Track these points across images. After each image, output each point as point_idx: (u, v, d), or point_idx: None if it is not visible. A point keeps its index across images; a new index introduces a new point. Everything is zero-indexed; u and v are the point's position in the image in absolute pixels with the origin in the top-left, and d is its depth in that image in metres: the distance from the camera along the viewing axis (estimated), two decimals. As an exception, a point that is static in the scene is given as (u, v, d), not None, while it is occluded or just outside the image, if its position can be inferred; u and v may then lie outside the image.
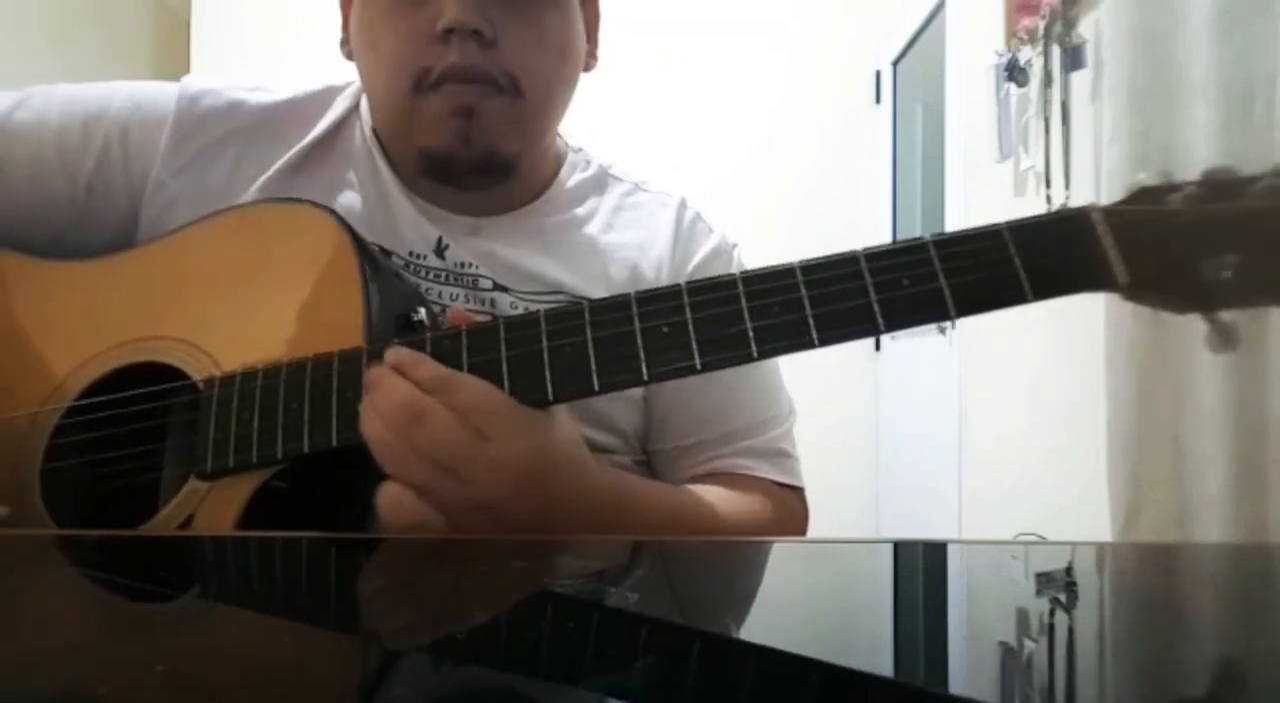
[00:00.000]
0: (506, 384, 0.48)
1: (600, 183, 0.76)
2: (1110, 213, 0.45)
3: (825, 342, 0.46)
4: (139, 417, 0.56)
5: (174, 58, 3.35)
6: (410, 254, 0.68)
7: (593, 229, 0.73)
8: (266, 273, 0.58)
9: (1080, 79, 1.75)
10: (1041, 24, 1.84)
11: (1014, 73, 1.96)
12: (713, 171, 2.98)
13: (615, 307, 0.48)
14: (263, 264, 0.58)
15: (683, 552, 0.49)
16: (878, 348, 3.19)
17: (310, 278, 0.56)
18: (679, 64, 3.21)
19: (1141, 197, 0.45)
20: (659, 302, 0.48)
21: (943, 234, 0.46)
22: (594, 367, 0.47)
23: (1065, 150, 1.79)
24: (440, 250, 0.68)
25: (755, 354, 0.46)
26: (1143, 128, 1.20)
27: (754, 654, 0.29)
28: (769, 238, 2.81)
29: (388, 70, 0.64)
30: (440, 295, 0.67)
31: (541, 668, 0.28)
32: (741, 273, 0.48)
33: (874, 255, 0.46)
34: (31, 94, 0.66)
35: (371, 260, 0.56)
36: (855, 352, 3.12)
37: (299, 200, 0.61)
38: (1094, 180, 1.62)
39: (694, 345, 0.46)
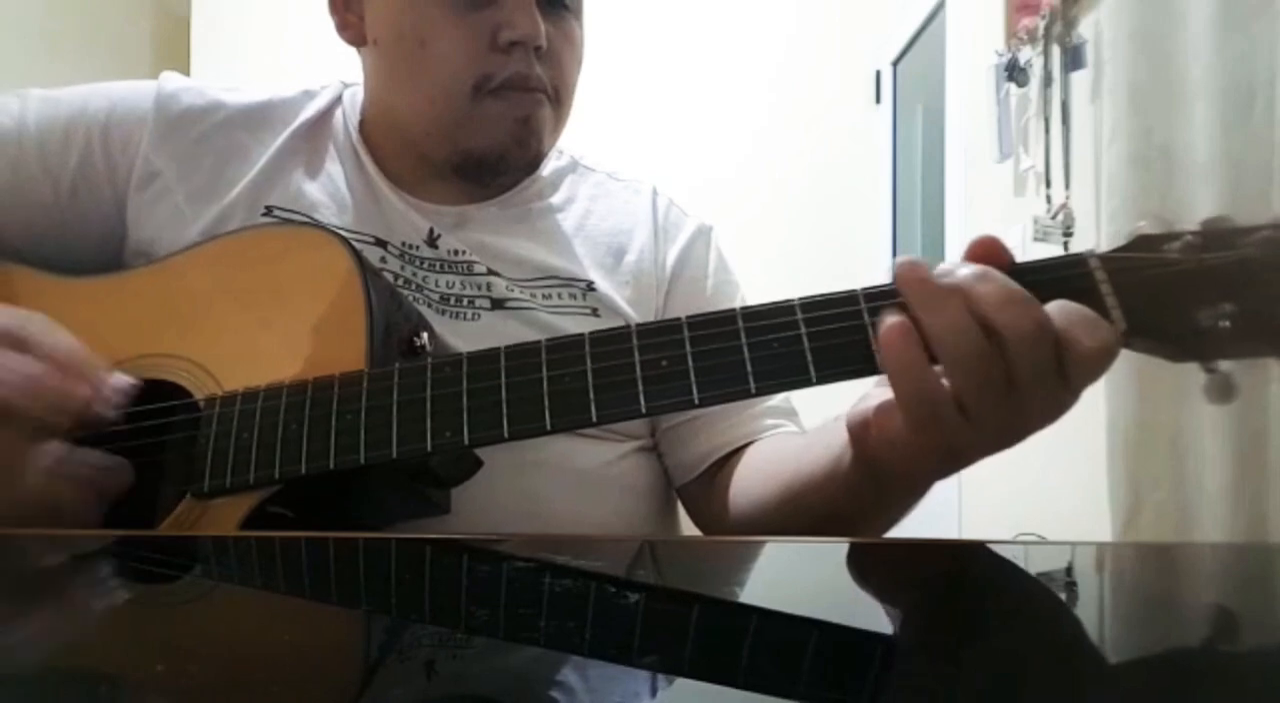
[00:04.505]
0: (505, 411, 0.49)
1: (575, 172, 0.80)
2: (1108, 259, 0.45)
3: (823, 380, 0.46)
4: (139, 433, 0.56)
5: (174, 58, 3.34)
6: (403, 244, 0.69)
7: (573, 215, 0.76)
8: (272, 294, 0.58)
9: (1080, 79, 1.75)
10: (1041, 24, 1.84)
11: (1014, 73, 1.96)
12: (712, 171, 2.98)
13: (615, 339, 0.49)
14: (268, 285, 0.59)
15: (679, 550, 0.49)
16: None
17: (315, 300, 0.57)
18: (678, 63, 3.21)
19: (1140, 244, 0.46)
20: (659, 335, 0.48)
21: None
22: (592, 398, 0.48)
23: (1065, 150, 1.79)
24: (433, 241, 0.69)
25: (753, 390, 0.46)
26: (1143, 128, 1.20)
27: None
28: (769, 238, 2.84)
29: (445, 71, 0.65)
30: (438, 283, 0.68)
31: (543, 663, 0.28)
32: (742, 308, 0.48)
33: (872, 295, 0.47)
34: (5, 101, 0.67)
35: (376, 284, 0.57)
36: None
37: (306, 222, 0.62)
38: (1094, 180, 1.62)
39: (692, 380, 0.47)
